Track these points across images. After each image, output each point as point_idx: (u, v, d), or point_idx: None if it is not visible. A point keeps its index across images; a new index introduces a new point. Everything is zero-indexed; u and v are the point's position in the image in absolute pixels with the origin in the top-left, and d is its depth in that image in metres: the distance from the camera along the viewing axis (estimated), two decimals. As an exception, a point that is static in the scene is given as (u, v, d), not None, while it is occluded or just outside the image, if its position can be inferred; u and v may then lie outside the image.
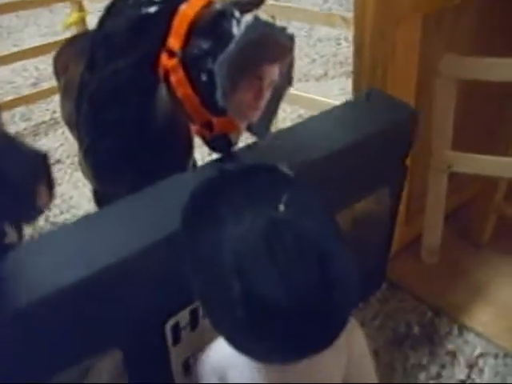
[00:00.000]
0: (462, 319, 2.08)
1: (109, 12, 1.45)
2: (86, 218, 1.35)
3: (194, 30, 1.28)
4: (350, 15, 2.77)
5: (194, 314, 1.36)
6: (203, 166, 1.44)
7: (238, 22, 1.24)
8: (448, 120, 2.00)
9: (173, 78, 1.31)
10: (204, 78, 1.26)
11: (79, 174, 3.15)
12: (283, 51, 1.26)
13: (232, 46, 1.18)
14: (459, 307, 2.12)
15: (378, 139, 1.60)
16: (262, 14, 2.99)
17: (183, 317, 1.34)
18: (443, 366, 1.92)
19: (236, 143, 1.40)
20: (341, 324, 1.10)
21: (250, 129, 1.29)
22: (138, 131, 1.53)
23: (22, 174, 1.12)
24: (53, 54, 3.98)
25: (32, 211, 1.18)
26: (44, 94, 3.87)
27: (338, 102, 3.29)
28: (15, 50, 4.28)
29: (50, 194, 1.21)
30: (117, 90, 1.45)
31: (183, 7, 1.30)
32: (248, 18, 1.22)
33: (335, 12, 2.96)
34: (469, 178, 2.19)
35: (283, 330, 1.06)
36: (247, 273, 1.05)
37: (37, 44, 3.91)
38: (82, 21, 3.59)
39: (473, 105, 2.20)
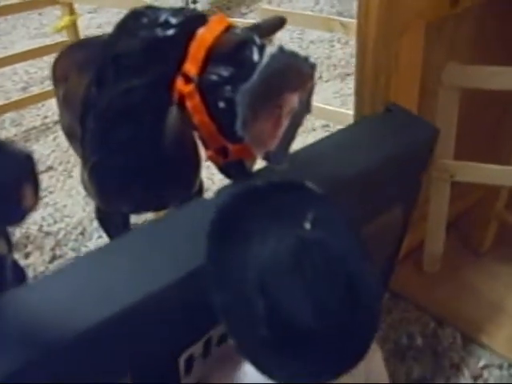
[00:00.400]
0: (465, 330, 2.07)
1: (121, 30, 1.40)
2: (102, 251, 1.31)
3: (213, 55, 1.25)
4: (349, 20, 2.76)
5: (207, 344, 1.33)
6: (218, 194, 1.40)
7: (259, 49, 1.21)
8: (451, 129, 1.98)
9: (189, 104, 1.28)
10: (222, 105, 1.23)
11: (72, 182, 3.11)
12: (304, 80, 1.24)
13: (255, 76, 1.16)
14: (462, 317, 2.10)
15: (400, 159, 1.58)
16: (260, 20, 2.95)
17: (197, 348, 1.31)
18: (448, 378, 1.91)
19: (250, 169, 1.37)
20: (364, 347, 1.12)
21: (266, 156, 1.26)
22: (147, 151, 1.51)
23: (7, 174, 1.08)
24: (43, 58, 3.96)
25: (18, 212, 1.14)
26: (35, 99, 3.81)
27: (334, 108, 3.30)
28: (4, 53, 4.21)
29: (36, 195, 1.18)
30: (128, 109, 1.41)
31: (201, 31, 1.27)
32: (272, 47, 1.18)
33: (335, 17, 2.91)
34: (470, 185, 2.17)
35: (308, 350, 1.06)
36: (273, 291, 1.05)
37: (26, 46, 3.85)
38: (73, 24, 3.53)
39: (474, 111, 2.18)
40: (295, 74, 1.23)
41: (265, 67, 1.17)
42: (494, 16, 2.14)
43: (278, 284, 1.06)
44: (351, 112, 3.21)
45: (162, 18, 1.32)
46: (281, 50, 1.19)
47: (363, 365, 1.17)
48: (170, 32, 1.30)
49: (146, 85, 1.36)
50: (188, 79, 1.29)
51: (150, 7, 1.40)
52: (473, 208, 2.46)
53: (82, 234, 2.75)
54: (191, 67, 1.28)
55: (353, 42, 4.96)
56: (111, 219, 1.86)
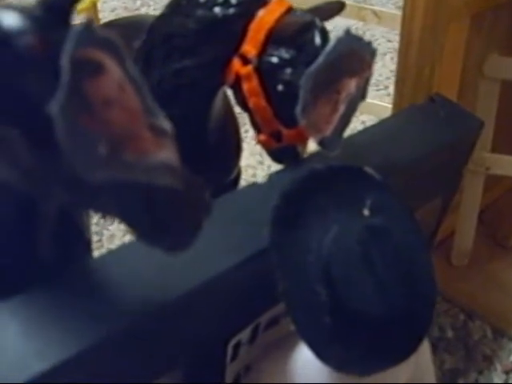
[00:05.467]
0: (495, 323, 2.07)
1: (173, 9, 1.36)
2: None
3: (273, 37, 1.23)
4: (382, 10, 2.73)
5: (255, 330, 1.32)
6: (270, 178, 1.37)
7: (321, 32, 1.21)
8: (490, 121, 1.96)
9: (245, 86, 1.26)
10: (281, 88, 1.22)
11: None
12: (364, 65, 1.22)
13: (321, 59, 1.13)
14: (492, 311, 2.10)
15: (446, 150, 1.56)
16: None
17: (245, 334, 1.30)
18: (481, 371, 1.91)
19: (302, 154, 1.36)
20: (421, 336, 1.12)
21: (321, 142, 1.24)
22: (192, 133, 1.47)
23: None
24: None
25: None
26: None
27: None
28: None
29: None
30: (177, 90, 1.38)
31: (262, 12, 1.25)
32: (339, 31, 1.16)
33: (366, 6, 2.88)
34: (497, 177, 2.16)
35: (371, 339, 1.06)
36: (338, 280, 1.04)
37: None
38: (94, 6, 3.48)
39: (508, 103, 2.17)
40: (357, 59, 1.21)
41: (331, 50, 1.15)
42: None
43: (344, 273, 1.05)
44: (372, 101, 3.22)
45: None
46: (347, 33, 1.17)
47: (414, 356, 1.17)
48: (230, 12, 1.27)
49: (199, 66, 1.33)
50: (246, 61, 1.26)
51: None
52: (498, 200, 2.44)
53: (103, 217, 2.72)
54: (250, 48, 1.25)
55: (370, 33, 4.91)
56: None
